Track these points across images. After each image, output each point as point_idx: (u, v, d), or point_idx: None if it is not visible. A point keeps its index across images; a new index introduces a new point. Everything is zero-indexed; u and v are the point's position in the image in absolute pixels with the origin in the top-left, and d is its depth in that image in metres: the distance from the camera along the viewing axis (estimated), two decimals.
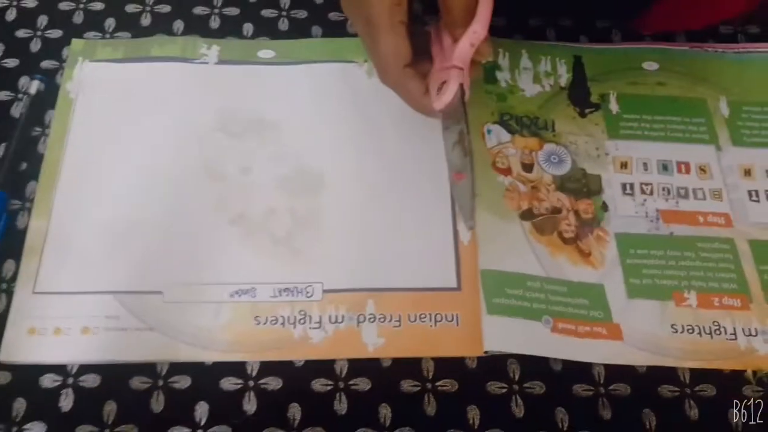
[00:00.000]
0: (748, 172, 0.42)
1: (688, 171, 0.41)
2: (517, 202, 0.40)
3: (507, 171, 0.41)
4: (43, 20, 0.47)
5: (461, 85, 0.36)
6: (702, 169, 0.42)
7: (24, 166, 0.41)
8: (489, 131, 0.42)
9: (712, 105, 0.44)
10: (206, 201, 0.40)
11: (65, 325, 0.36)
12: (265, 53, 0.45)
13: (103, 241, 0.39)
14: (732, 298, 0.37)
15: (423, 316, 0.37)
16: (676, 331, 0.37)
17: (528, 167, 0.41)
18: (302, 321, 0.37)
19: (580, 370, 0.36)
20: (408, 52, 0.35)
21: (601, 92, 0.44)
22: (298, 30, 0.47)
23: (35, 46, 0.46)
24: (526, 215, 0.39)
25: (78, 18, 0.47)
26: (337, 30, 0.46)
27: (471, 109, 0.42)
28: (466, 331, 0.36)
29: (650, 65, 0.45)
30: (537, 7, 0.48)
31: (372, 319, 0.37)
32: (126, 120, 0.42)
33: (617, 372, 0.36)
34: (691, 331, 0.37)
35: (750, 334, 0.37)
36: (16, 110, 0.43)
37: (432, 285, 0.38)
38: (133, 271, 0.38)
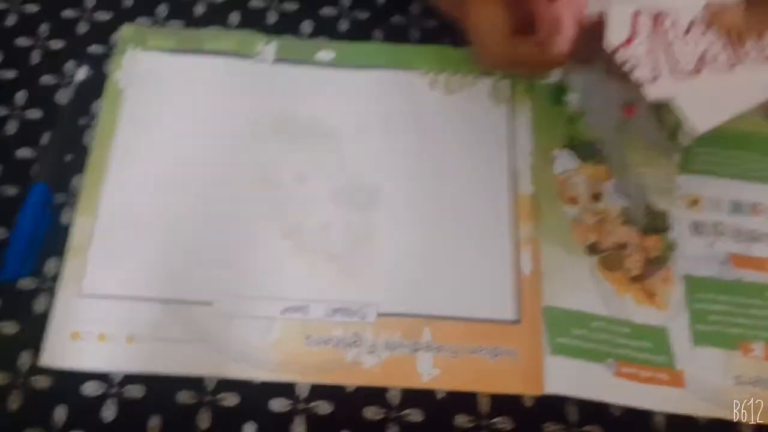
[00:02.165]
0: None
1: (760, 213, 0.40)
2: (584, 235, 0.38)
3: (574, 200, 0.39)
4: (91, 0, 0.44)
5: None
6: None
7: (69, 158, 0.39)
8: (556, 157, 0.40)
9: None
10: (260, 208, 0.38)
11: (110, 331, 0.35)
12: (325, 54, 0.43)
13: (153, 243, 0.37)
14: None
15: (481, 348, 0.36)
16: (741, 383, 0.35)
17: (596, 197, 0.39)
18: (356, 344, 0.35)
19: (639, 417, 0.35)
20: (506, 23, 0.31)
21: (676, 120, 0.42)
22: (359, 31, 0.44)
23: (83, 28, 0.43)
24: (593, 249, 0.38)
25: (128, 1, 0.45)
26: (399, 35, 0.44)
27: (538, 133, 0.41)
28: (526, 367, 0.35)
29: None
30: None
31: (428, 348, 0.35)
32: (178, 116, 0.40)
33: (677, 423, 0.35)
34: (756, 383, 0.35)
35: None
36: (62, 96, 0.41)
37: (491, 316, 0.36)
38: (183, 277, 0.36)
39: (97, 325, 0.35)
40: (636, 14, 0.33)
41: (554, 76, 0.43)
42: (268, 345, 0.35)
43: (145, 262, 0.37)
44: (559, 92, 0.42)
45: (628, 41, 0.33)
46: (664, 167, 0.41)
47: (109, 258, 0.37)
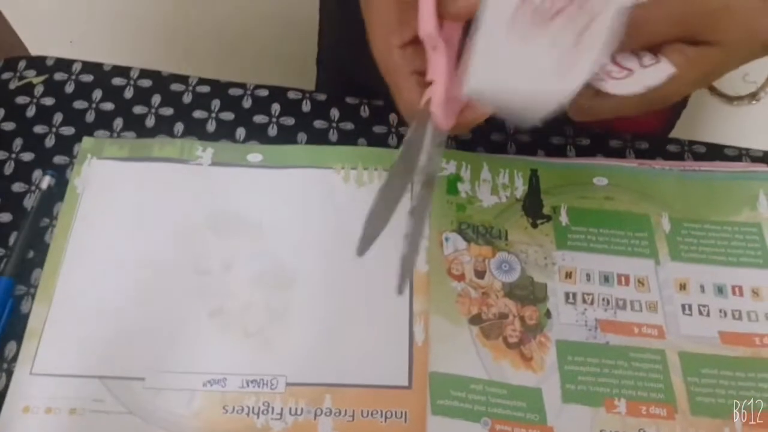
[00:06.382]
0: (683, 286, 0.45)
1: (627, 283, 0.46)
2: (467, 307, 0.44)
3: (461, 277, 0.45)
4: (58, 118, 0.53)
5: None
6: (640, 282, 0.46)
7: (32, 254, 0.46)
8: (447, 239, 0.46)
9: (654, 220, 0.48)
10: (191, 294, 0.45)
11: (56, 405, 0.41)
12: (254, 157, 0.50)
13: (96, 327, 0.43)
14: (659, 408, 0.41)
15: (375, 412, 0.41)
16: None
17: (480, 274, 0.45)
18: (265, 411, 0.41)
19: None
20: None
21: (553, 204, 0.48)
22: (286, 135, 0.52)
23: (50, 141, 0.51)
24: (475, 320, 0.43)
25: (90, 117, 0.53)
26: (320, 137, 0.52)
27: (433, 219, 0.47)
28: (413, 428, 0.40)
29: (600, 180, 0.50)
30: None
31: (328, 413, 0.41)
32: (125, 214, 0.47)
33: None
34: None
35: None
36: (29, 202, 0.48)
37: (386, 383, 0.42)
38: (120, 356, 0.42)
39: (45, 400, 0.41)
40: None
41: (449, 169, 0.50)
42: (191, 414, 0.41)
43: (88, 344, 0.43)
44: (453, 182, 0.49)
45: None
46: (542, 245, 0.47)
47: (59, 341, 0.43)
